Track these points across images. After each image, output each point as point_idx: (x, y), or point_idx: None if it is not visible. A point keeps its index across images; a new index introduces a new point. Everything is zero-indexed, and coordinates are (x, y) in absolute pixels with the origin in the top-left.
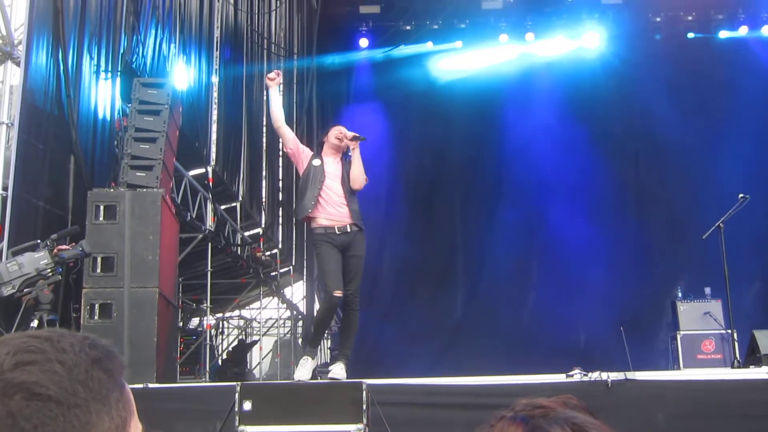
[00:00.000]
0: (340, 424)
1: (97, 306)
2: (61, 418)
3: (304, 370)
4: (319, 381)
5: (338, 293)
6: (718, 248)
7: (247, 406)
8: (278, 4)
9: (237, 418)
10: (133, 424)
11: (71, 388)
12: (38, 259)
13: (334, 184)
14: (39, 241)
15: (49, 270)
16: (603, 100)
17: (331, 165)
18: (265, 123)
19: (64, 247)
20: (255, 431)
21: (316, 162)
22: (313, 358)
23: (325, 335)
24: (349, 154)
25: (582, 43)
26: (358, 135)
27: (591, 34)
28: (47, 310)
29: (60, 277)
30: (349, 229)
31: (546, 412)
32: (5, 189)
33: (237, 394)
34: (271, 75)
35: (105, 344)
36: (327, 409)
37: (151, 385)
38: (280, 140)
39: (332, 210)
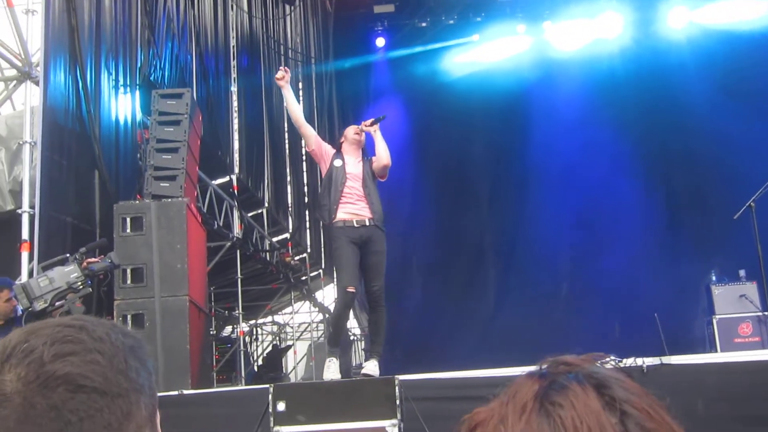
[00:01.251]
0: (374, 420)
1: (129, 317)
2: (106, 410)
3: (330, 372)
4: (352, 378)
5: (352, 289)
6: (750, 229)
7: (281, 406)
8: (291, 10)
9: (272, 419)
10: (157, 410)
11: (114, 378)
12: (68, 273)
13: (356, 184)
14: (68, 255)
15: (79, 283)
16: (625, 87)
17: (352, 165)
18: (286, 128)
19: (93, 259)
20: (290, 431)
21: (337, 163)
22: (337, 358)
23: (358, 336)
24: (373, 139)
25: (601, 32)
26: (375, 118)
27: (610, 18)
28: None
29: (90, 289)
30: (367, 223)
31: (570, 369)
32: (32, 207)
33: (270, 396)
34: (278, 74)
35: (131, 331)
36: (360, 406)
37: (186, 392)
38: (303, 142)
39: (351, 206)
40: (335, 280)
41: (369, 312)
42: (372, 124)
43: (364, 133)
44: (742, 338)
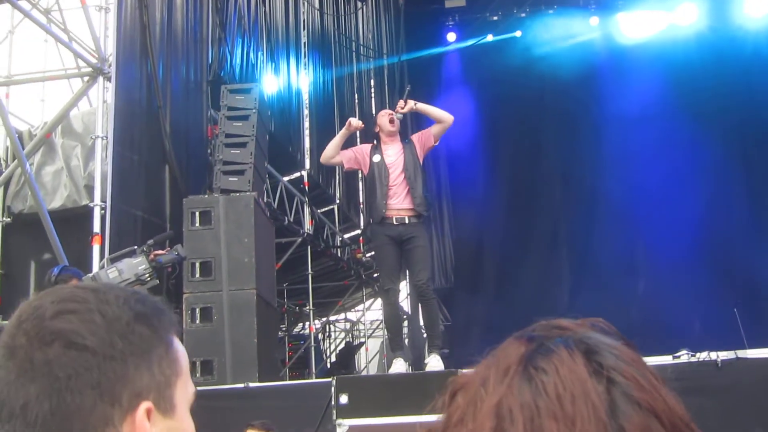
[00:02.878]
0: (437, 413)
1: (198, 310)
2: (96, 370)
3: (396, 367)
4: (415, 372)
5: (392, 288)
6: None
7: (344, 399)
8: (362, 5)
9: (334, 412)
10: (180, 385)
11: (108, 339)
12: (136, 265)
13: (399, 175)
14: (136, 247)
15: (147, 275)
16: (702, 76)
17: (392, 154)
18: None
19: (160, 252)
20: (352, 423)
21: (377, 158)
22: (404, 360)
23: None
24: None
25: (674, 20)
26: (402, 97)
27: (684, 5)
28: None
29: (158, 281)
30: (407, 221)
31: (562, 333)
32: (104, 201)
33: (333, 389)
34: (356, 123)
35: (155, 301)
36: (423, 399)
37: (251, 384)
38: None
39: (395, 201)
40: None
41: (421, 307)
42: (405, 104)
43: (398, 120)
44: None
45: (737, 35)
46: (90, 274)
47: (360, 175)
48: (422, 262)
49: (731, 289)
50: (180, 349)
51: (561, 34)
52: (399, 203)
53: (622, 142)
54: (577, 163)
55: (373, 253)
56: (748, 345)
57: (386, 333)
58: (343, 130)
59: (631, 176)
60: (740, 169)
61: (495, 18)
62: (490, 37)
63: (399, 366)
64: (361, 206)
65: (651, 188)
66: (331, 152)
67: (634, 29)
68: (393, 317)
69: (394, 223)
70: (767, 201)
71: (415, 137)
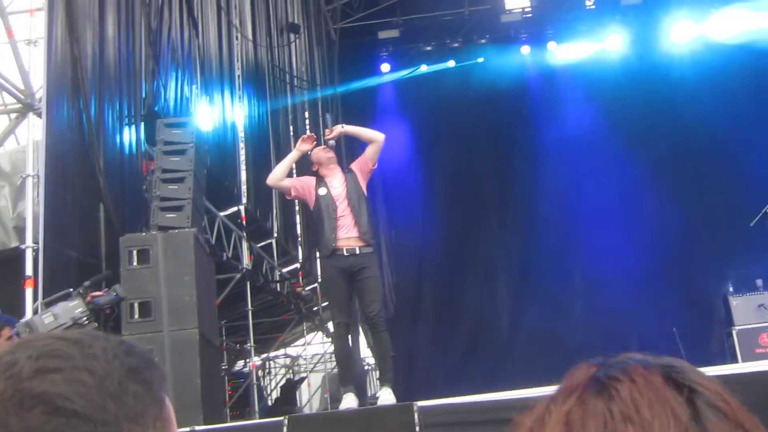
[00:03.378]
0: None
1: None
2: None
3: (347, 403)
4: (368, 407)
5: (343, 321)
6: (766, 236)
7: None
8: (296, 38)
9: None
10: None
11: (100, 402)
12: (73, 308)
13: (344, 206)
14: (71, 289)
15: (84, 318)
16: (632, 101)
17: (337, 186)
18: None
19: (97, 293)
20: None
21: (323, 191)
22: (354, 394)
23: (373, 366)
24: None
25: (603, 49)
26: (326, 125)
27: (613, 35)
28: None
29: (96, 324)
30: (357, 251)
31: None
32: (36, 242)
33: (285, 428)
34: (308, 136)
35: (143, 351)
36: None
37: (198, 428)
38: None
39: (343, 232)
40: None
41: (372, 338)
42: (332, 130)
43: (332, 148)
44: (764, 348)
45: (663, 61)
46: (23, 320)
47: (298, 208)
48: (374, 292)
49: (670, 309)
50: (170, 406)
51: (493, 63)
52: (347, 233)
53: (558, 167)
54: (514, 189)
55: (313, 286)
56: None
57: (336, 367)
58: (296, 150)
59: (568, 200)
60: (672, 191)
61: (428, 48)
62: (423, 68)
63: (350, 401)
64: (299, 239)
65: (587, 211)
66: (280, 174)
67: (564, 56)
68: (344, 351)
69: (345, 254)
70: (700, 221)
71: (354, 166)
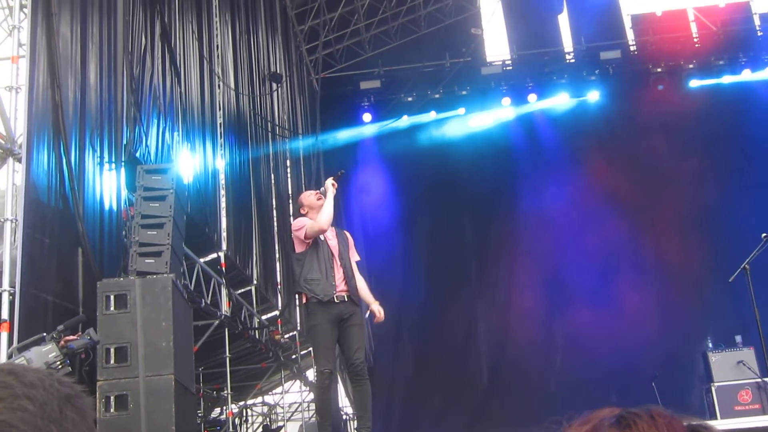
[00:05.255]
0: None
1: (112, 398)
2: None
3: None
4: None
5: (329, 370)
6: (745, 293)
7: None
8: (278, 87)
9: None
10: None
11: (44, 427)
12: (46, 353)
13: (339, 258)
14: (45, 333)
15: (58, 362)
16: (612, 154)
17: (331, 237)
18: (274, 205)
19: (71, 337)
20: None
21: (321, 236)
22: None
23: (351, 415)
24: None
25: (583, 101)
26: (335, 175)
27: (593, 87)
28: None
29: (70, 368)
30: (346, 298)
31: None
32: (12, 286)
33: None
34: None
35: (69, 381)
36: None
37: None
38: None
39: (338, 281)
40: (314, 360)
41: (352, 386)
42: (335, 181)
43: (326, 198)
44: (742, 405)
45: (642, 115)
46: None
47: (278, 255)
48: (359, 341)
49: (649, 364)
50: None
51: (474, 114)
52: (340, 285)
53: (538, 222)
54: (494, 241)
55: (292, 334)
56: None
57: (315, 416)
58: (331, 194)
59: (548, 253)
60: (652, 246)
61: (410, 99)
62: (405, 119)
63: None
64: (279, 287)
65: (567, 264)
66: (331, 218)
67: (543, 108)
68: (326, 401)
69: (335, 301)
70: (681, 276)
71: (349, 237)
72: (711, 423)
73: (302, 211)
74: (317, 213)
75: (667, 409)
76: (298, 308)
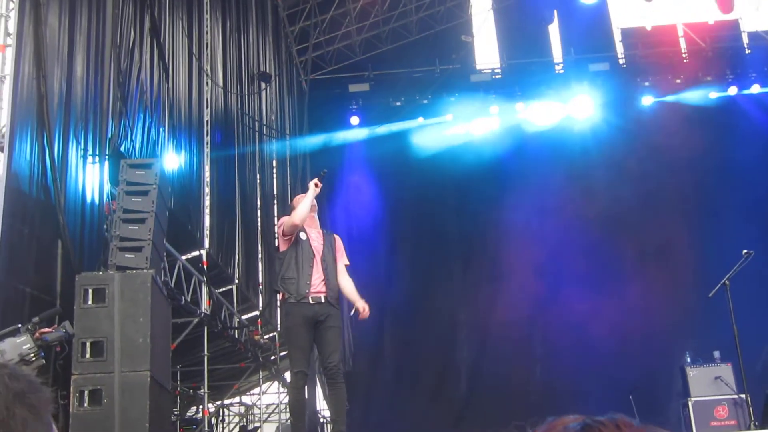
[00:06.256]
0: None
1: (86, 392)
2: None
3: None
4: None
5: (302, 371)
6: (725, 308)
7: None
8: (267, 86)
9: None
10: None
11: None
12: (20, 344)
13: (321, 260)
14: (20, 325)
15: (32, 354)
16: (597, 166)
17: (315, 238)
18: (259, 205)
19: (46, 330)
20: None
21: (303, 236)
22: None
23: (329, 419)
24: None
25: (571, 112)
26: (319, 175)
27: (581, 99)
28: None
29: (44, 361)
30: (323, 300)
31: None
32: None
33: None
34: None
35: (27, 374)
36: None
37: None
38: (277, 224)
39: (315, 282)
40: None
41: (328, 389)
42: (319, 180)
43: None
44: (719, 421)
45: (630, 129)
46: None
47: (261, 255)
48: (335, 343)
49: (627, 377)
50: (56, 430)
51: (462, 121)
52: (317, 286)
53: (522, 230)
54: (478, 247)
55: (272, 335)
56: None
57: (290, 418)
58: (311, 192)
59: (530, 261)
60: (633, 259)
61: (398, 103)
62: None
63: None
64: (261, 287)
65: (549, 276)
66: (308, 212)
67: (532, 118)
68: (300, 402)
69: (311, 302)
70: (660, 290)
71: (338, 239)
72: None
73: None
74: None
75: (633, 419)
76: (279, 308)
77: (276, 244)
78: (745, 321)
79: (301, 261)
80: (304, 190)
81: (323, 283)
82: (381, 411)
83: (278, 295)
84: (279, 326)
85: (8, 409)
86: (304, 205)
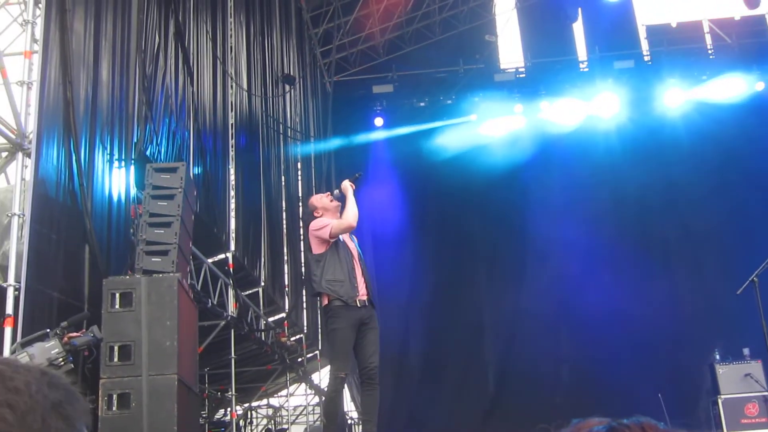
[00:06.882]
0: None
1: (115, 396)
2: None
3: None
4: None
5: (345, 374)
6: (753, 305)
7: None
8: (291, 89)
9: None
10: None
11: None
12: (49, 349)
13: (357, 260)
14: (48, 330)
15: (60, 359)
16: (622, 164)
17: (348, 240)
18: (284, 207)
19: (75, 334)
20: None
21: (341, 237)
22: None
23: (356, 420)
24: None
25: (596, 110)
26: (352, 177)
27: (605, 97)
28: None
29: (72, 365)
30: (366, 303)
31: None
32: (18, 281)
33: None
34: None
35: (66, 384)
36: None
37: None
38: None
39: (359, 284)
40: (330, 362)
41: (362, 390)
42: (353, 182)
43: (337, 199)
44: (749, 419)
45: (655, 125)
46: None
47: (286, 258)
48: (375, 345)
49: (656, 375)
50: None
51: (486, 120)
52: (362, 288)
53: (548, 230)
54: (503, 248)
55: (298, 337)
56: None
57: (322, 419)
58: (351, 193)
59: (557, 263)
60: (661, 257)
61: (422, 104)
62: (417, 123)
63: None
64: (287, 289)
65: (575, 275)
66: (357, 215)
67: (556, 117)
68: (337, 405)
69: (357, 305)
70: (689, 288)
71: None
72: None
73: (316, 214)
74: (332, 215)
75: (659, 423)
76: (319, 310)
77: (309, 246)
78: None
79: (345, 263)
80: (330, 191)
81: (364, 285)
82: (407, 414)
83: (321, 298)
84: (305, 328)
85: (44, 421)
86: (354, 207)
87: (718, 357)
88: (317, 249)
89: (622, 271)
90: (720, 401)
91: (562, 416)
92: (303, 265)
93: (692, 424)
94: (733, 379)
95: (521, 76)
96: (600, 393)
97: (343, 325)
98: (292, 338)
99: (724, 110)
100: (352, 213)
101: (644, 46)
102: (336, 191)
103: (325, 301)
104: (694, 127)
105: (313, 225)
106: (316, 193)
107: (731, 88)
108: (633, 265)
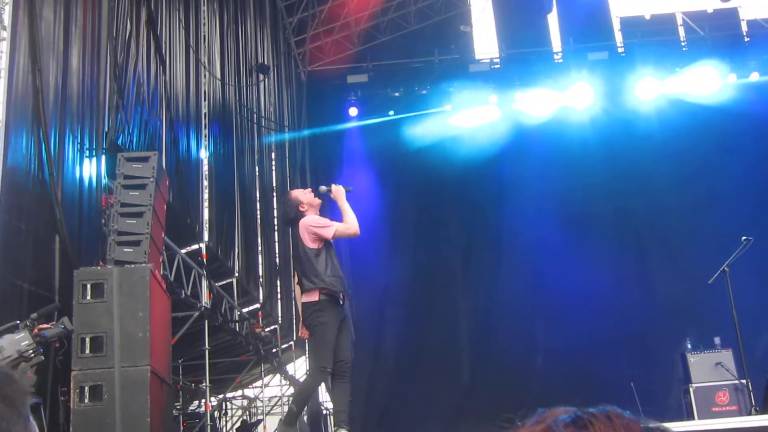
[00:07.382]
0: None
1: (87, 388)
2: None
3: None
4: None
5: (330, 368)
6: (724, 295)
7: None
8: (265, 78)
9: None
10: None
11: None
12: (19, 341)
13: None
14: (18, 321)
15: (31, 351)
16: (596, 155)
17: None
18: (258, 197)
19: (44, 325)
20: None
21: None
22: None
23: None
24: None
25: (570, 101)
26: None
27: (580, 88)
28: (31, 393)
29: (43, 357)
30: (346, 299)
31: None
32: None
33: None
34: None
35: (2, 367)
36: None
37: None
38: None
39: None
40: (314, 355)
41: (334, 383)
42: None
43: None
44: (720, 407)
45: (628, 116)
46: None
47: (261, 248)
48: (351, 340)
49: (628, 364)
50: (34, 422)
51: (461, 110)
52: (343, 284)
53: (522, 219)
54: (478, 237)
55: (273, 328)
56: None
57: (293, 406)
58: (345, 199)
59: (530, 250)
60: (632, 247)
61: (396, 94)
62: (391, 113)
63: None
64: (261, 280)
65: (549, 265)
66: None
67: (530, 108)
68: (312, 394)
69: (340, 302)
70: (660, 277)
71: None
72: (668, 425)
73: (302, 209)
74: (315, 211)
75: (625, 411)
76: (297, 302)
77: (301, 241)
78: (744, 307)
79: (337, 259)
80: (303, 181)
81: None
82: (383, 404)
83: (310, 292)
84: (279, 319)
85: None
86: (353, 216)
87: (689, 346)
88: (313, 244)
89: (596, 260)
90: (691, 390)
91: (534, 404)
92: (277, 255)
93: (664, 412)
94: (704, 368)
95: (496, 66)
96: (573, 381)
97: (331, 320)
98: (267, 329)
99: (697, 102)
100: (355, 221)
101: (618, 37)
102: (322, 187)
103: (315, 296)
104: (666, 117)
105: (313, 221)
106: (291, 184)
107: (704, 79)
108: (606, 255)
